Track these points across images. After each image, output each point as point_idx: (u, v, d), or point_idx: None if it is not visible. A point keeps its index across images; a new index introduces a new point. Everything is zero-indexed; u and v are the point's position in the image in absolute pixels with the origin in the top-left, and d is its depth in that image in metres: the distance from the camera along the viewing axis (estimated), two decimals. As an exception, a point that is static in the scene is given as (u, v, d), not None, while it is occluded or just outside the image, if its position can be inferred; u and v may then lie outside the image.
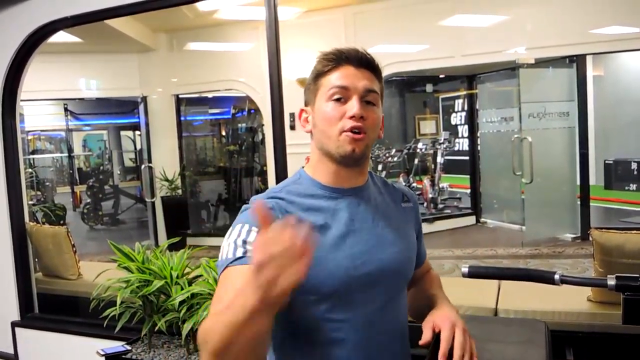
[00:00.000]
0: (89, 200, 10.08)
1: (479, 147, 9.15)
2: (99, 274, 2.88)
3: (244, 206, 1.24)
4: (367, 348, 1.23)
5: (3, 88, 3.42)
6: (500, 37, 6.51)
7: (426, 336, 1.22)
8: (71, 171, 12.96)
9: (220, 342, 0.95)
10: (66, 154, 13.41)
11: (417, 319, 1.40)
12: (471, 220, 8.81)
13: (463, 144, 10.42)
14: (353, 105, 1.22)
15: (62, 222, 8.25)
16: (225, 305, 0.97)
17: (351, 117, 1.21)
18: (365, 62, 1.26)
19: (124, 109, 12.06)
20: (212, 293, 2.43)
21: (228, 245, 1.14)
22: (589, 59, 7.96)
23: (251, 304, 0.90)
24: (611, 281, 1.27)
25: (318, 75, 1.28)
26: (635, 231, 2.49)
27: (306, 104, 1.32)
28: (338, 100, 1.23)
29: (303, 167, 1.34)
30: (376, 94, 1.26)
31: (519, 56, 6.75)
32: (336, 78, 1.24)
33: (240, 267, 1.08)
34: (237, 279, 1.06)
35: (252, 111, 9.21)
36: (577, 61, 7.15)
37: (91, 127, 14.98)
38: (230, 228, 1.19)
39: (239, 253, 1.12)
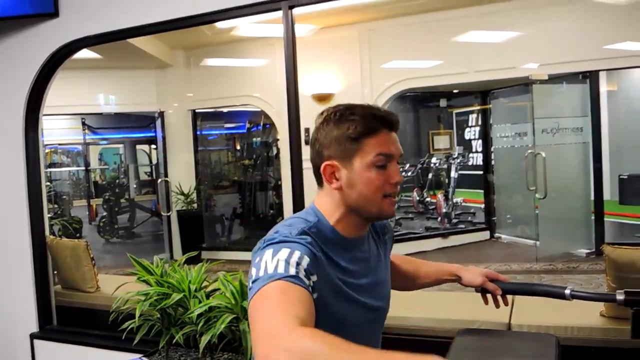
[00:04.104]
0: (104, 214, 10.17)
1: (492, 162, 9.16)
2: (117, 287, 2.93)
3: (276, 236, 1.20)
4: None
5: (27, 104, 3.51)
6: (513, 53, 6.55)
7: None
8: (87, 184, 13.06)
9: None
10: (83, 168, 13.53)
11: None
12: (485, 235, 8.79)
13: (477, 158, 10.41)
14: (396, 172, 1.28)
15: (78, 235, 8.37)
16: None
17: (395, 183, 1.28)
18: (397, 126, 1.31)
19: (141, 124, 12.17)
20: (230, 306, 2.46)
21: (277, 261, 1.13)
22: (602, 74, 7.95)
23: None
24: (620, 296, 1.31)
25: (360, 135, 1.26)
26: (647, 247, 2.49)
27: (332, 158, 1.28)
28: (381, 166, 1.27)
29: (315, 205, 1.34)
30: None
31: (532, 72, 6.77)
32: (380, 144, 1.26)
33: (296, 287, 1.09)
34: (295, 295, 1.07)
35: (267, 126, 9.27)
36: (591, 77, 7.16)
37: (107, 141, 15.11)
38: (269, 248, 1.16)
39: (292, 271, 1.11)
